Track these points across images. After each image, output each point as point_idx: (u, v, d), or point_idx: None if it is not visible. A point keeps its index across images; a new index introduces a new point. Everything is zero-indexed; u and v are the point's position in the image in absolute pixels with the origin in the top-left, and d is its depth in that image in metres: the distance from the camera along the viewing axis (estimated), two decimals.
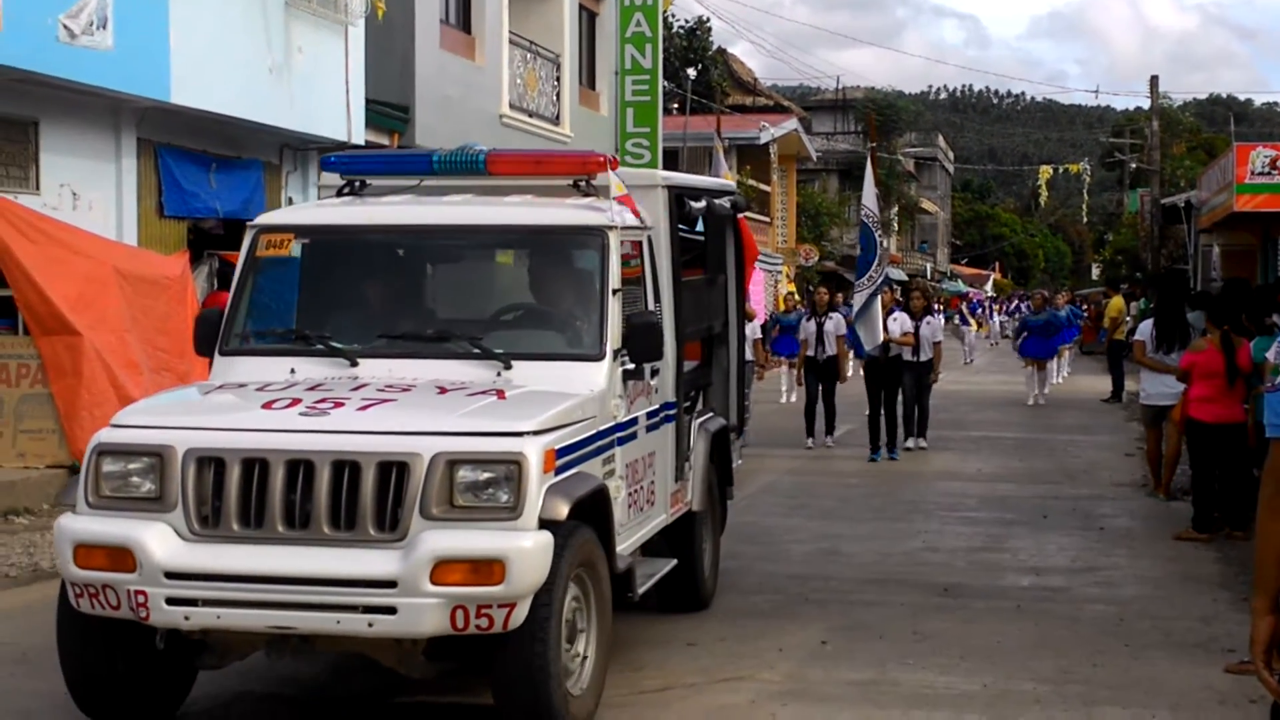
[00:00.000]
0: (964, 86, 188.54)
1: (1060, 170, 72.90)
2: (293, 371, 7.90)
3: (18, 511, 13.46)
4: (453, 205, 8.76)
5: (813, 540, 13.13)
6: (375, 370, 7.78)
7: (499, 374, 7.71)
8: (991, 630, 9.68)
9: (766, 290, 42.21)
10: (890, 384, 19.26)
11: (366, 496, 6.69)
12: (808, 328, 20.70)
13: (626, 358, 8.03)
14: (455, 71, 24.69)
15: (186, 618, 6.69)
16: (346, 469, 6.72)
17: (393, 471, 6.71)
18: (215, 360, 8.25)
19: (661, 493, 9.04)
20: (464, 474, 6.71)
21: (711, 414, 10.39)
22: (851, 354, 21.10)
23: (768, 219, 49.69)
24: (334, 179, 9.31)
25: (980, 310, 67.57)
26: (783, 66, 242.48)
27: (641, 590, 8.23)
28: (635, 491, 8.36)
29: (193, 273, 17.93)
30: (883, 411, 19.21)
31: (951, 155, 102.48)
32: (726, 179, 19.42)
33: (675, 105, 44.37)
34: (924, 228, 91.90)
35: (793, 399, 26.88)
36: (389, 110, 22.49)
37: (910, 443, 19.90)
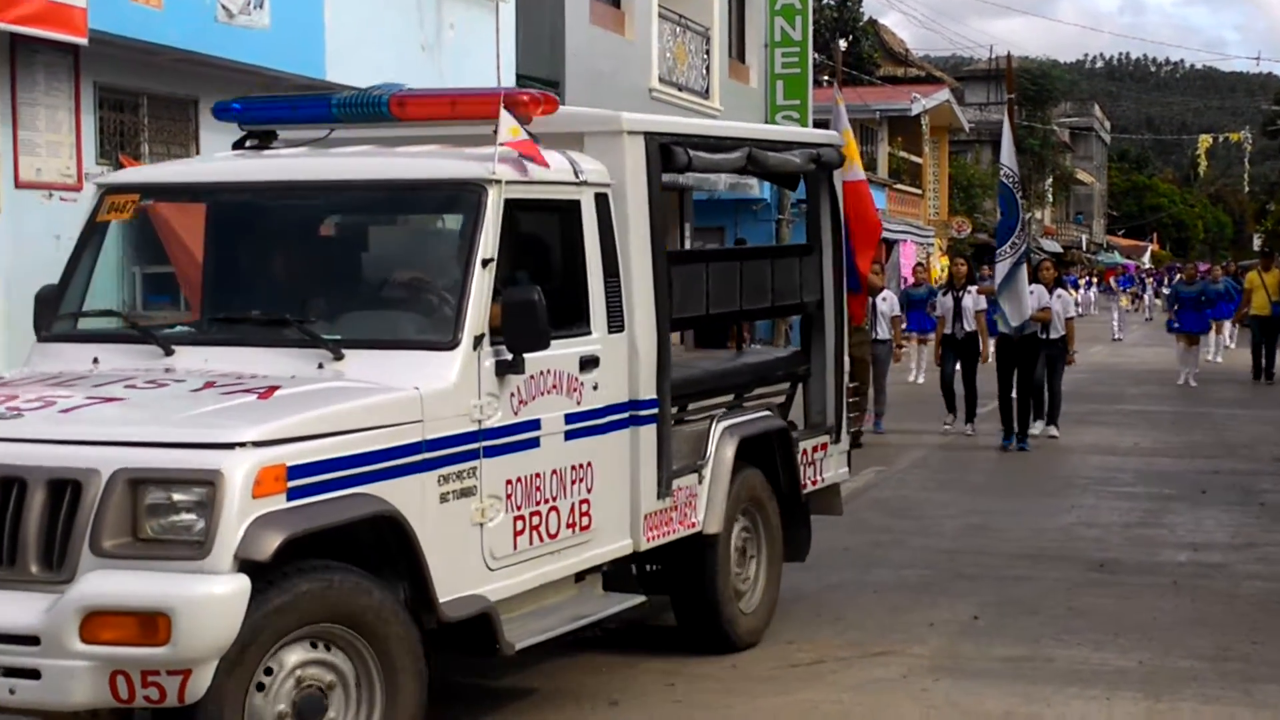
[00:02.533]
0: (1120, 54, 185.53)
1: (1220, 139, 71.65)
2: (95, 362, 6.64)
3: None
4: (310, 159, 7.35)
5: (964, 515, 13.02)
6: (189, 361, 6.53)
7: (321, 366, 6.32)
8: (1147, 606, 9.54)
9: (917, 263, 41.88)
10: (1025, 364, 17.38)
11: (30, 523, 5.42)
12: (944, 303, 18.82)
13: (503, 346, 6.48)
14: (605, 46, 24.74)
15: None
16: (15, 488, 5.48)
17: (66, 491, 5.42)
18: (33, 347, 7.04)
19: (611, 515, 7.31)
20: (152, 496, 5.39)
21: (762, 412, 8.73)
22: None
23: (919, 191, 49.27)
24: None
25: (1132, 284, 66.04)
26: (935, 37, 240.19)
27: (531, 642, 6.64)
28: (536, 514, 6.76)
29: None
30: (1014, 395, 17.48)
31: (1108, 125, 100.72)
32: (846, 137, 18.06)
33: (825, 77, 44.12)
34: (1079, 199, 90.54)
35: (920, 380, 25.46)
36: (539, 86, 22.55)
37: (1038, 428, 18.10)
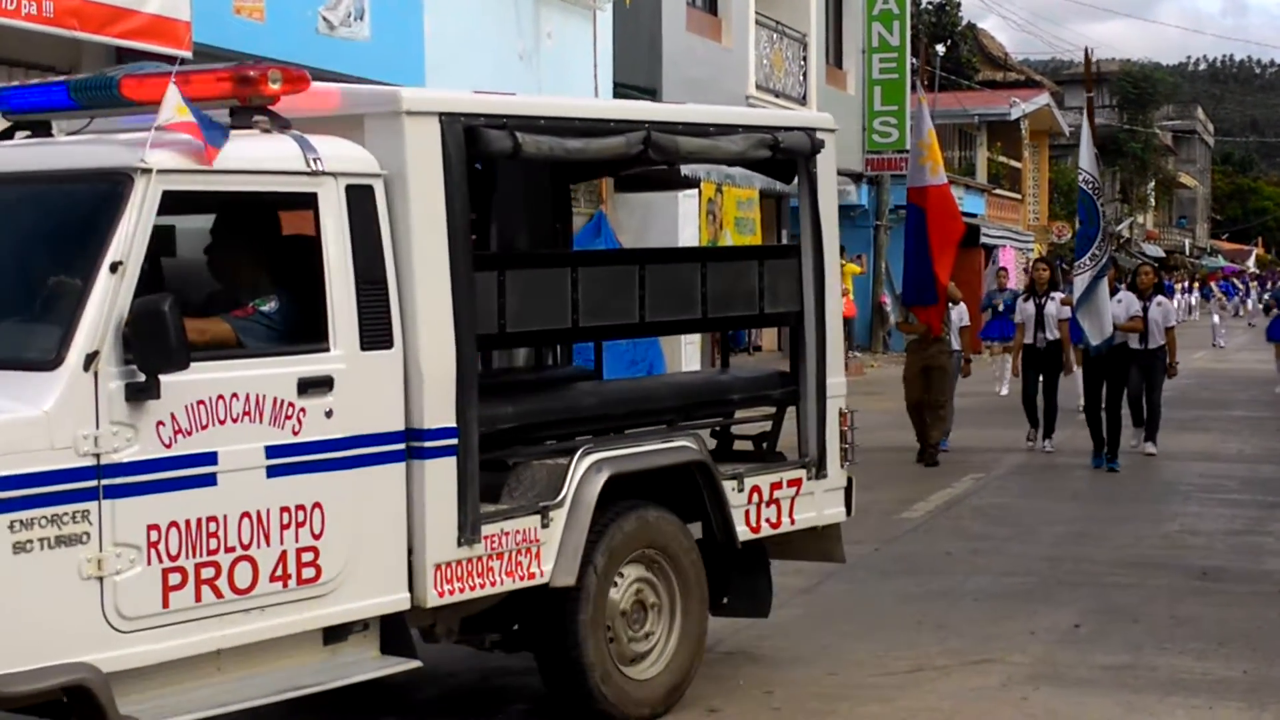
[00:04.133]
0: (1224, 56, 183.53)
1: None
2: None
3: None
4: None
5: (1064, 522, 12.92)
6: None
7: None
8: (1252, 615, 9.43)
9: (1017, 269, 41.61)
10: (1114, 377, 16.07)
11: None
12: (1025, 309, 17.44)
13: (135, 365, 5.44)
14: (702, 53, 24.79)
15: None
16: None
17: None
18: None
19: (367, 565, 6.12)
20: None
21: (676, 442, 7.34)
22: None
23: (1019, 196, 48.93)
24: None
25: (1235, 291, 64.69)
26: (1034, 40, 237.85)
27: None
28: (210, 566, 5.65)
29: None
30: (1104, 410, 16.05)
31: (1211, 127, 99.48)
32: (930, 138, 16.20)
33: (924, 82, 43.91)
34: (1182, 203, 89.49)
35: (1004, 391, 23.86)
36: (636, 93, 22.67)
37: (1134, 440, 16.97)
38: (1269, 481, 15.24)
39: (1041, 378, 17.27)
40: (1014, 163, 48.15)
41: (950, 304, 16.96)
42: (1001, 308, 24.38)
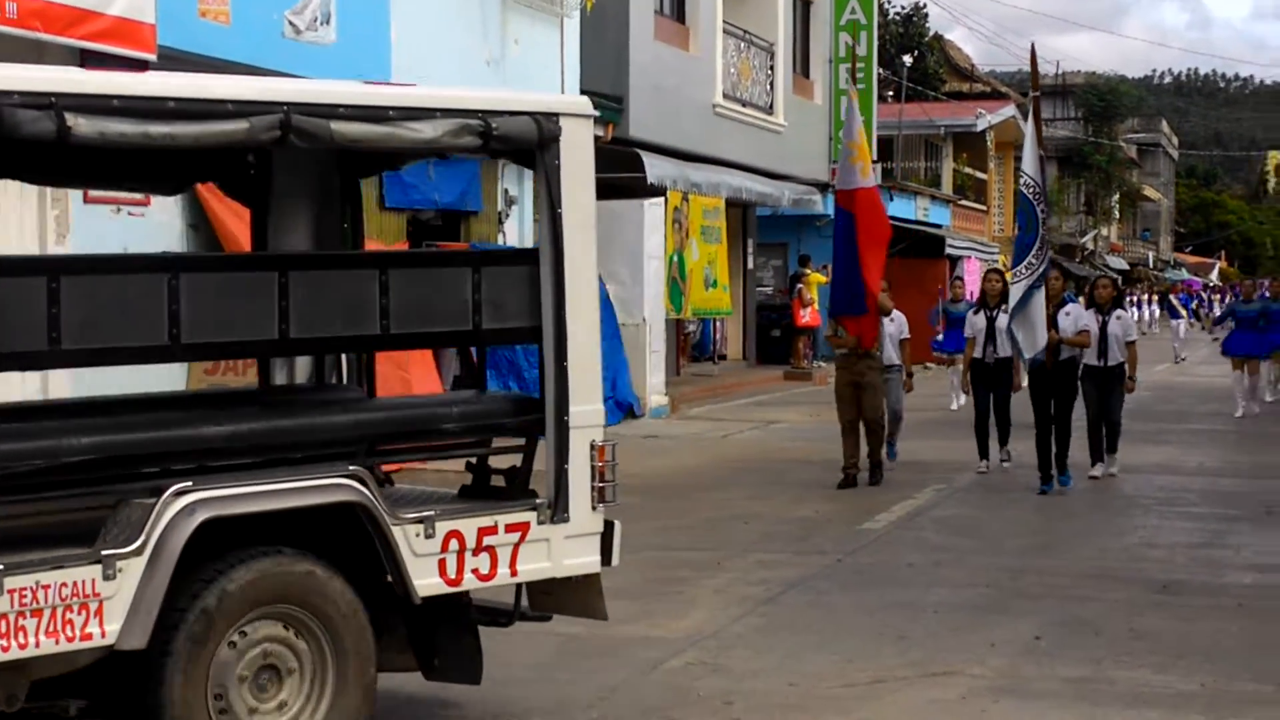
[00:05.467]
0: (1189, 70, 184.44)
1: None
2: None
3: None
4: None
5: (1027, 534, 12.94)
6: None
7: None
8: (1212, 629, 9.45)
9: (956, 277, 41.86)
10: (1060, 394, 15.20)
11: None
12: (975, 322, 16.41)
13: None
14: (669, 62, 24.80)
15: None
16: None
17: None
18: None
19: None
20: None
21: (325, 479, 6.20)
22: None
23: (984, 208, 49.10)
24: None
25: (1194, 302, 64.81)
26: (1000, 52, 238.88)
27: None
28: None
29: None
30: (1053, 430, 15.05)
31: (1175, 141, 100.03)
32: (860, 138, 15.43)
33: (890, 93, 44.02)
34: (1146, 215, 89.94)
35: (956, 405, 23.28)
36: (603, 101, 22.63)
37: (1098, 469, 16.08)
38: (1229, 495, 15.30)
39: (993, 395, 16.36)
40: (979, 174, 48.32)
41: (884, 315, 16.19)
42: (941, 320, 24.10)
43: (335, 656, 6.24)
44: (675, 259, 24.70)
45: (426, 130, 6.43)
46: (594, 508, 6.95)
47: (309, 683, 6.22)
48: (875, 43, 34.00)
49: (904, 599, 10.17)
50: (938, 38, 56.61)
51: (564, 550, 6.89)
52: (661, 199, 23.66)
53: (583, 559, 6.98)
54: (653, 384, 22.86)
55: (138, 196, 13.92)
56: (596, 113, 6.94)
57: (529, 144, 6.75)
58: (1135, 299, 51.56)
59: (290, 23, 15.24)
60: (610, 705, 7.64)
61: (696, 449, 19.18)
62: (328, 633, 6.22)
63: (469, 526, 6.59)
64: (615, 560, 7.11)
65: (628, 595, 10.11)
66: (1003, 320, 15.68)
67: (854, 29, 33.14)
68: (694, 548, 11.95)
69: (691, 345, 30.86)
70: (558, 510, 6.83)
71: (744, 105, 28.11)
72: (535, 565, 6.83)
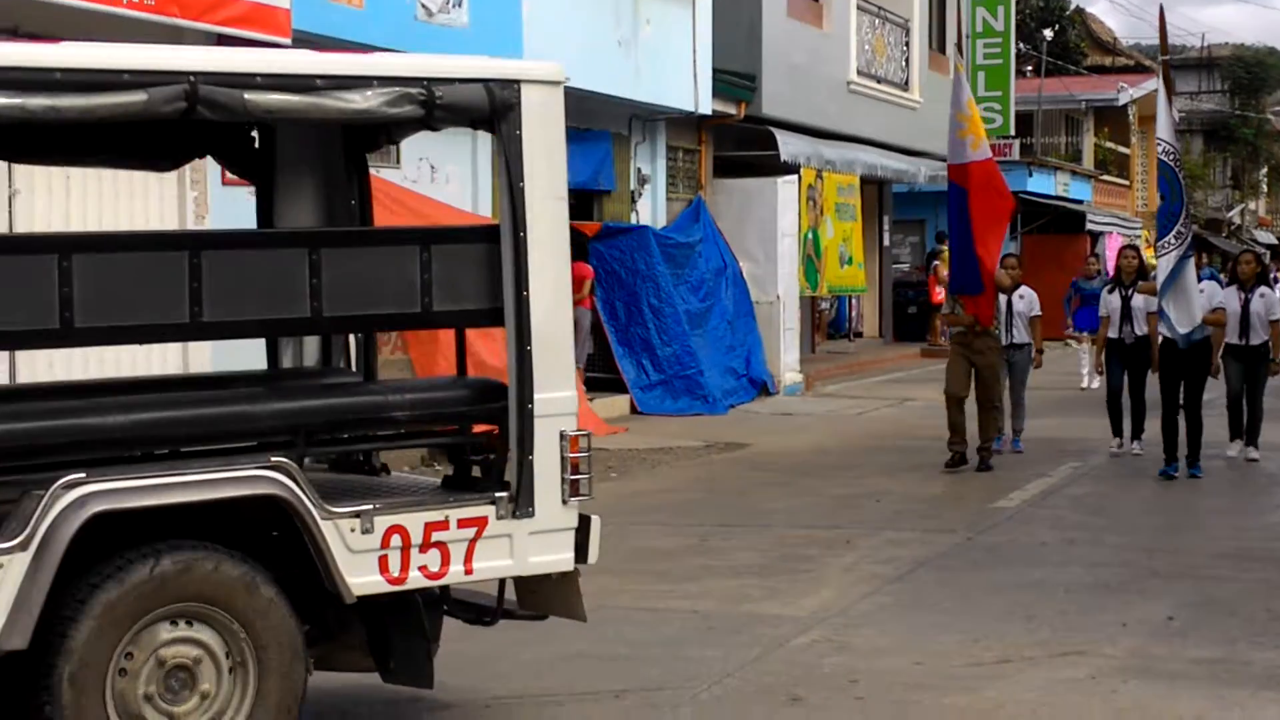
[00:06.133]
0: None
1: None
2: None
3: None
4: None
5: (1163, 512, 12.77)
6: None
7: None
8: None
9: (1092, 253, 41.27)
10: (1192, 377, 14.49)
11: None
12: (1110, 301, 15.61)
13: None
14: (802, 39, 24.69)
15: None
16: None
17: None
18: None
19: None
20: None
21: (244, 469, 5.87)
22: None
23: (1126, 182, 48.34)
24: None
25: None
26: (1144, 25, 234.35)
27: None
28: None
29: None
30: (1184, 411, 14.48)
31: None
32: (970, 109, 14.98)
33: (1029, 68, 43.47)
34: None
35: (1093, 385, 22.20)
36: (736, 79, 22.64)
37: (1234, 450, 15.47)
38: None
39: (1128, 375, 15.58)
40: (1122, 148, 47.57)
41: (1005, 293, 15.64)
42: (1075, 298, 23.64)
43: (258, 663, 5.91)
44: (810, 237, 24.60)
45: (358, 100, 6.05)
46: (565, 502, 6.44)
47: (232, 687, 5.89)
48: (1013, 17, 33.62)
49: (1034, 578, 10.08)
50: (1079, 11, 55.72)
51: (529, 547, 6.40)
52: (795, 177, 23.58)
53: (552, 556, 6.48)
54: (787, 361, 22.82)
55: None
56: (567, 78, 6.54)
57: (481, 114, 6.34)
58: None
59: (423, 6, 15.39)
60: (734, 681, 7.66)
61: (830, 426, 19.13)
62: (249, 636, 5.89)
63: (414, 521, 6.16)
64: (593, 558, 6.55)
65: (757, 573, 10.15)
66: (1139, 299, 15.27)
67: (991, 4, 32.80)
68: (824, 525, 11.93)
69: (827, 323, 30.76)
70: (521, 505, 6.34)
71: (879, 82, 27.92)
72: (494, 563, 6.37)
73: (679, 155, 22.64)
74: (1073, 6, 53.89)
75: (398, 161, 16.25)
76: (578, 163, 19.34)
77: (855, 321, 31.59)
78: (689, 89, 20.58)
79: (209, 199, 13.30)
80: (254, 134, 7.21)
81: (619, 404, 19.29)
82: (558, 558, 6.48)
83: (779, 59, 23.63)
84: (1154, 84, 47.31)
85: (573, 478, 6.42)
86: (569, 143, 20.31)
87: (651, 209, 21.56)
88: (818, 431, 18.51)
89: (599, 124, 19.88)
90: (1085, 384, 23.51)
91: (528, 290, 6.29)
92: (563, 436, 6.40)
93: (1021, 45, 40.33)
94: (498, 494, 6.32)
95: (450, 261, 6.44)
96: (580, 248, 19.37)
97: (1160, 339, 14.62)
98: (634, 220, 21.04)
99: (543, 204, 6.39)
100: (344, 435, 6.58)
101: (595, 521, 6.55)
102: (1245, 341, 15.13)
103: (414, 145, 16.42)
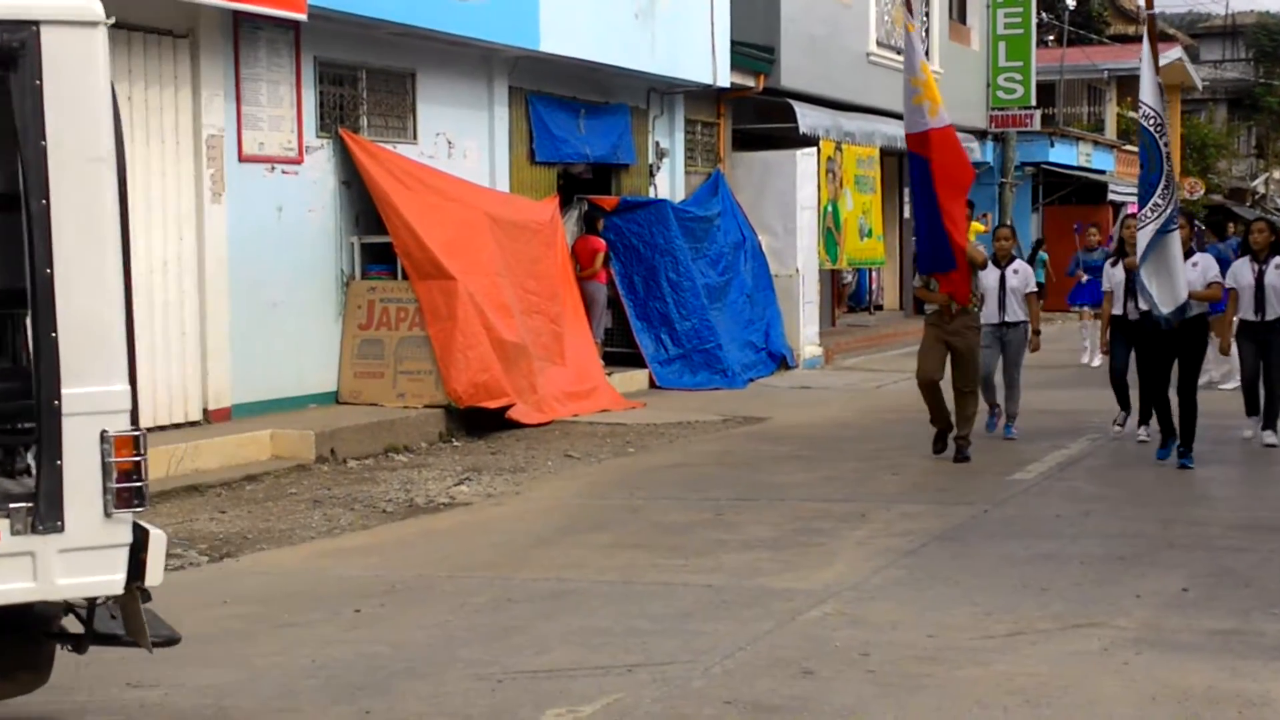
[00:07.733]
0: None
1: None
2: None
3: (397, 449, 14.10)
4: None
5: (1181, 484, 12.74)
6: None
7: None
8: None
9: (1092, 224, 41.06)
10: (1187, 355, 13.50)
11: None
12: (1114, 275, 14.68)
13: None
14: (821, 10, 24.63)
15: None
16: None
17: None
18: None
19: None
20: None
21: None
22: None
23: None
24: None
25: None
26: None
27: None
28: None
29: (562, 217, 18.47)
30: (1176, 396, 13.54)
31: None
32: (924, 73, 13.83)
33: (1051, 37, 43.29)
34: None
35: (1094, 363, 21.98)
36: (754, 52, 22.59)
37: (1250, 430, 14.83)
38: None
39: (1133, 352, 14.47)
40: None
41: (980, 268, 14.11)
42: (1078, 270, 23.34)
43: None
44: (829, 209, 24.57)
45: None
46: (109, 514, 5.41)
47: None
48: None
49: (1049, 550, 10.08)
50: None
51: (58, 567, 5.38)
52: (814, 149, 23.54)
53: (91, 578, 5.46)
54: (806, 335, 22.82)
55: (291, 155, 14.20)
56: (108, 19, 5.37)
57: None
58: None
59: None
60: (746, 655, 7.68)
61: (849, 399, 19.13)
62: None
63: None
64: (155, 579, 5.57)
65: (770, 547, 10.17)
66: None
67: None
68: (840, 499, 11.94)
69: (848, 296, 30.72)
70: (44, 518, 5.33)
71: (898, 53, 27.79)
72: (10, 585, 5.35)
73: (697, 128, 22.62)
74: None
75: (415, 137, 16.27)
76: (595, 137, 19.34)
77: (875, 294, 31.55)
78: (707, 61, 20.54)
79: (224, 176, 13.33)
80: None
81: (638, 379, 19.32)
82: (100, 579, 5.48)
83: (797, 30, 23.58)
84: (1177, 52, 47.24)
85: (121, 486, 5.40)
86: (587, 117, 20.52)
87: (670, 182, 21.55)
88: (836, 405, 18.51)
89: (616, 97, 19.88)
90: (1086, 359, 23.14)
91: (51, 268, 5.26)
92: (104, 438, 5.38)
93: (1043, 15, 40.13)
94: (14, 505, 5.34)
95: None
96: (592, 221, 19.40)
97: (1136, 315, 13.76)
98: (652, 194, 21.03)
99: (75, 167, 5.32)
100: None
101: (158, 536, 5.57)
102: (1261, 317, 14.20)
103: (431, 120, 16.47)
